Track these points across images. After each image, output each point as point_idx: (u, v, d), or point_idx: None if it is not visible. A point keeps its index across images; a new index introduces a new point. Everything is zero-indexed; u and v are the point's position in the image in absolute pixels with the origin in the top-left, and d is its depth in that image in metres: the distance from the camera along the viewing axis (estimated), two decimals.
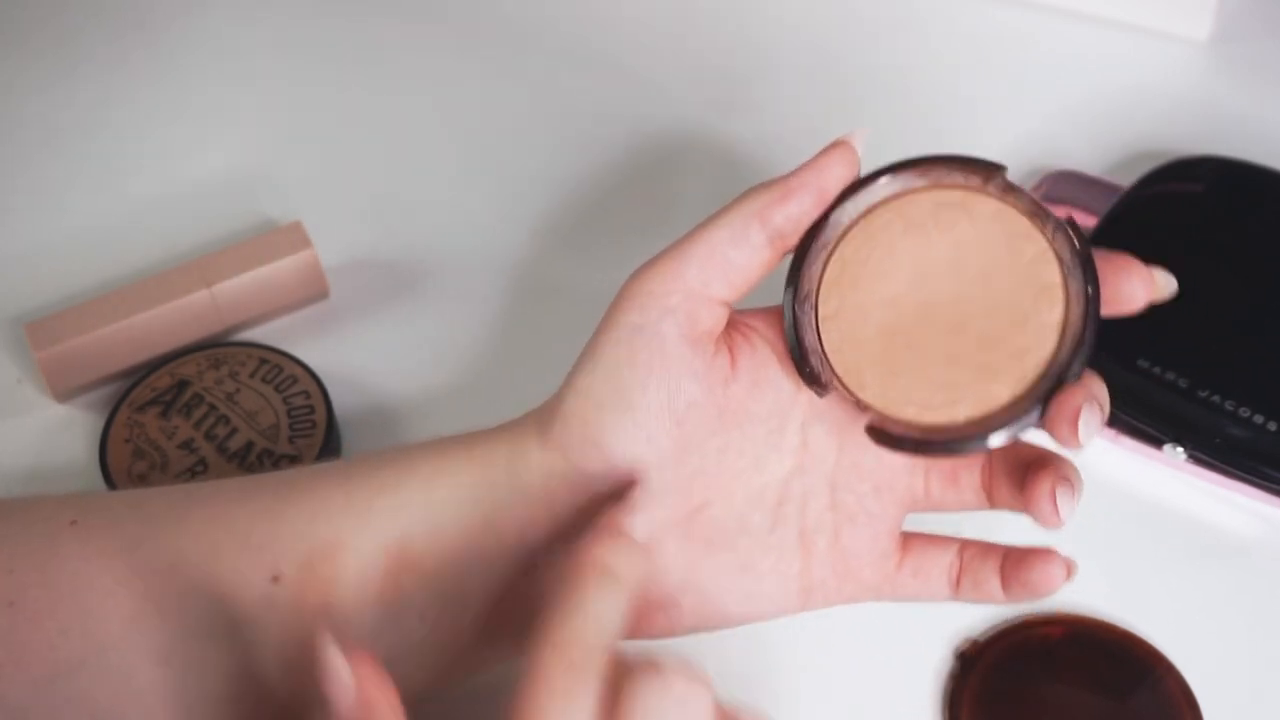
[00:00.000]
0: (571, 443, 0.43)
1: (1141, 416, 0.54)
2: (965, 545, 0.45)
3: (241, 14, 0.72)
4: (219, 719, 0.42)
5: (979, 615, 0.51)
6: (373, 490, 0.43)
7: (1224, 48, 0.69)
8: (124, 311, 0.57)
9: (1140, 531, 0.54)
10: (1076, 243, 0.42)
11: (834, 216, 0.43)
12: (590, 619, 0.37)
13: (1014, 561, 0.45)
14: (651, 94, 0.68)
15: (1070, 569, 0.44)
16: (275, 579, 0.42)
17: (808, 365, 0.43)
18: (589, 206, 0.64)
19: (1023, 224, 0.42)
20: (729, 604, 0.44)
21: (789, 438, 0.44)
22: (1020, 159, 0.64)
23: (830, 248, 0.43)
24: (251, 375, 0.56)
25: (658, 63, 0.70)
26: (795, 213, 0.42)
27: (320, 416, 0.55)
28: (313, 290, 0.59)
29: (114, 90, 0.68)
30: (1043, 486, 0.42)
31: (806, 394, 0.44)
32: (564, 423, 0.43)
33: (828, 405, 0.44)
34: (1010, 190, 0.42)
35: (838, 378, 0.43)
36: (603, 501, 0.42)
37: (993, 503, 0.45)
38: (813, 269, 0.43)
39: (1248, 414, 0.53)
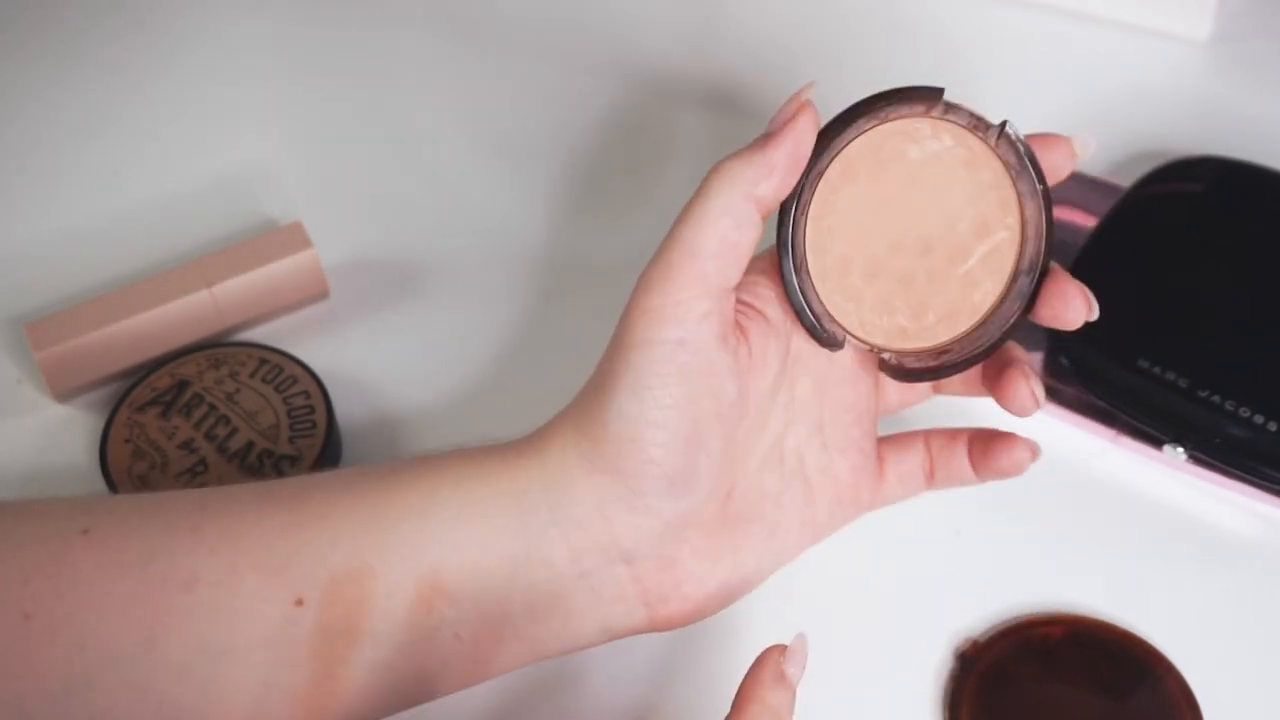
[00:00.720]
0: (624, 465, 0.42)
1: (1141, 416, 0.54)
2: (930, 436, 0.48)
3: (242, 14, 0.72)
4: None
5: (979, 615, 0.51)
6: (396, 516, 0.42)
7: (1224, 48, 0.69)
8: (124, 311, 0.57)
9: (1140, 531, 0.54)
10: (1019, 144, 0.44)
11: (806, 178, 0.43)
12: None
13: (980, 445, 0.47)
14: (652, 94, 0.68)
15: (1034, 451, 0.47)
16: (298, 602, 0.41)
17: (824, 332, 0.45)
18: (590, 206, 0.64)
19: (967, 138, 0.44)
20: (763, 566, 0.46)
21: (781, 398, 0.46)
22: None
23: (805, 209, 0.44)
24: (251, 375, 0.56)
25: (658, 63, 0.70)
26: (783, 186, 0.43)
27: (320, 417, 0.55)
28: (313, 290, 0.59)
29: (114, 90, 0.68)
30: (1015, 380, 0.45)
31: (787, 353, 0.45)
32: (616, 447, 0.42)
33: (808, 354, 0.46)
34: (950, 109, 0.43)
35: (848, 332, 0.45)
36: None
37: (942, 389, 0.49)
38: (796, 234, 0.44)
39: (1248, 414, 0.53)
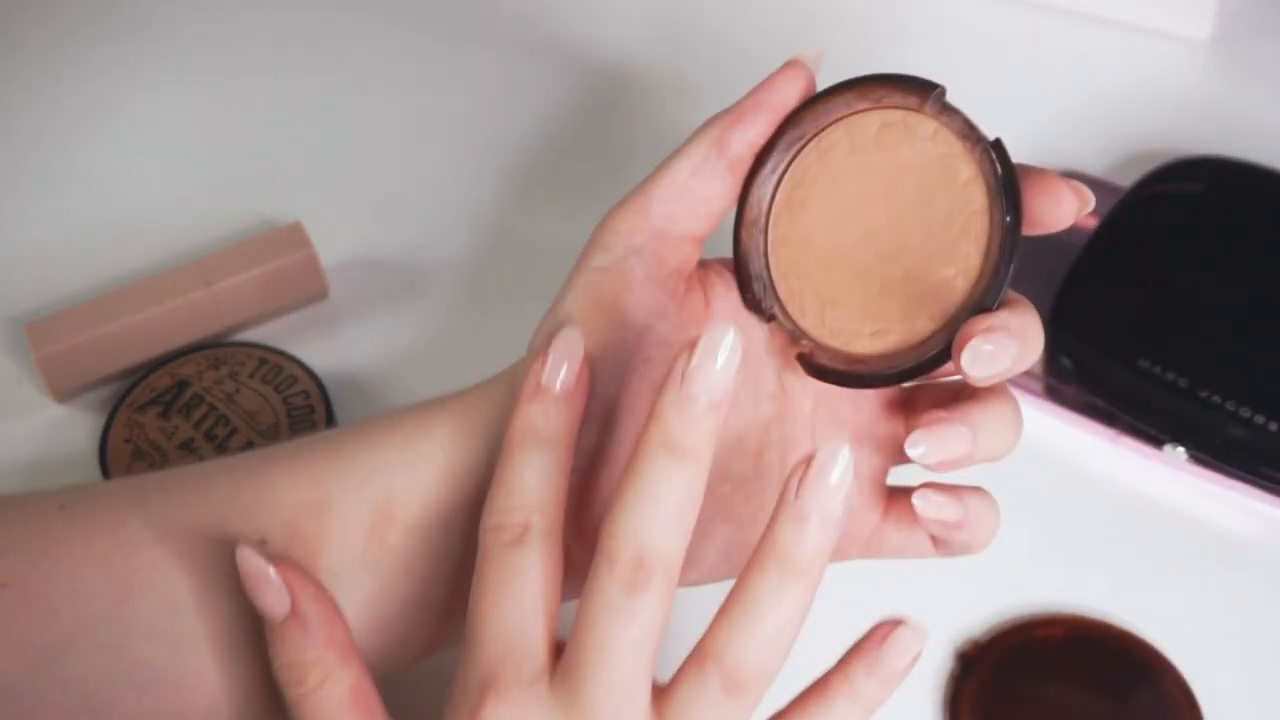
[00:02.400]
0: None
1: (1141, 416, 0.54)
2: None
3: (243, 13, 0.72)
4: (211, 691, 0.41)
5: (979, 616, 0.51)
6: (354, 449, 0.43)
7: (1224, 48, 0.69)
8: (124, 311, 0.57)
9: (1140, 531, 0.54)
10: (998, 167, 0.40)
11: (783, 139, 0.42)
12: (526, 484, 0.38)
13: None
14: (652, 95, 0.68)
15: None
16: (262, 542, 0.41)
17: (751, 292, 0.42)
18: (591, 207, 0.64)
19: (957, 146, 0.41)
20: (709, 552, 0.43)
21: (765, 384, 0.43)
22: (1020, 159, 0.64)
23: (781, 171, 0.42)
24: (251, 375, 0.56)
25: (658, 63, 0.70)
26: (751, 135, 0.41)
27: (320, 417, 0.55)
28: (312, 290, 0.59)
29: (114, 90, 0.68)
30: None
31: (778, 339, 0.43)
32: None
33: (784, 349, 0.43)
34: (946, 110, 0.41)
35: (780, 304, 0.42)
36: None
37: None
38: (761, 192, 0.42)
39: (1248, 414, 0.53)
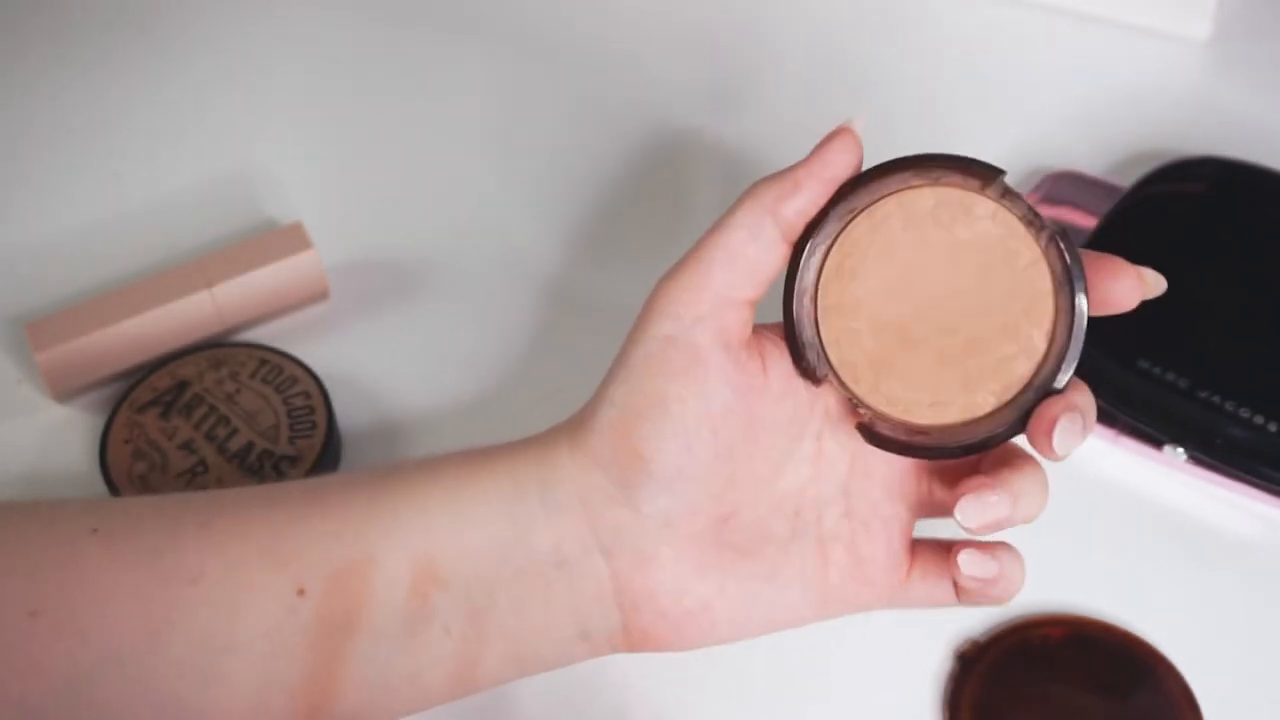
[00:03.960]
0: (608, 454, 0.43)
1: (1141, 417, 0.54)
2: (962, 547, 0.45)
3: (242, 14, 0.72)
4: None
5: (979, 616, 0.51)
6: (397, 503, 0.43)
7: (1224, 48, 0.69)
8: (124, 312, 0.57)
9: (1140, 531, 0.54)
10: (1067, 256, 0.41)
11: (836, 209, 0.43)
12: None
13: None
14: (652, 93, 0.68)
15: (1018, 576, 0.44)
16: (300, 592, 0.42)
17: (804, 359, 0.43)
18: (591, 206, 0.64)
19: (1019, 230, 0.42)
20: (757, 614, 0.45)
21: (805, 446, 0.45)
22: (1020, 159, 0.65)
23: (831, 240, 0.43)
24: (251, 376, 0.56)
25: (659, 62, 0.70)
26: (804, 205, 0.42)
27: (320, 417, 0.55)
28: (313, 291, 0.59)
29: (114, 91, 0.68)
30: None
31: (822, 404, 0.44)
32: (599, 434, 0.43)
33: (842, 415, 0.44)
34: (1007, 194, 0.42)
35: (834, 371, 0.43)
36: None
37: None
38: (813, 261, 0.43)
39: (1248, 414, 0.53)
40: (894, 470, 0.45)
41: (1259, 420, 0.53)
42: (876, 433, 0.43)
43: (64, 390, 0.57)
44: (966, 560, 0.44)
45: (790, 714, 0.49)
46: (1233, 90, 0.67)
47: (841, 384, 0.43)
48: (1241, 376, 0.54)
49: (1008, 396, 0.42)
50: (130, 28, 0.71)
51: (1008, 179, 0.42)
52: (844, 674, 0.50)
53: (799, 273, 0.43)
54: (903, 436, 0.43)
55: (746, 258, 0.42)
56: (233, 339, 0.59)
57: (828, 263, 0.43)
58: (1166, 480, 0.55)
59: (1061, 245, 0.41)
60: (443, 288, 0.61)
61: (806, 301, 0.43)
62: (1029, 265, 0.42)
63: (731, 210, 0.43)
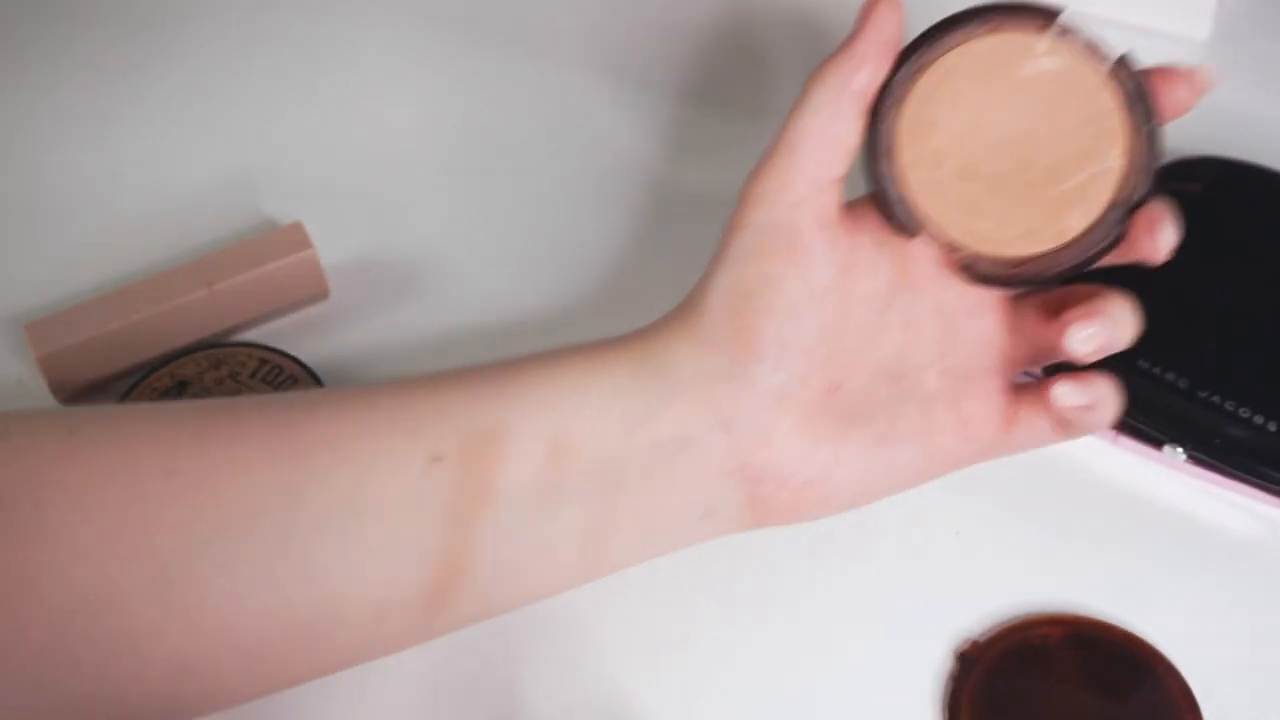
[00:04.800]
0: (720, 335, 0.45)
1: (1141, 417, 0.54)
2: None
3: (242, 14, 0.72)
4: (379, 592, 0.42)
5: (979, 615, 0.51)
6: (525, 382, 0.45)
7: (1224, 48, 0.69)
8: (124, 311, 0.57)
9: (1140, 531, 0.54)
10: (1136, 74, 0.44)
11: (902, 70, 0.45)
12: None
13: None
14: (652, 92, 0.68)
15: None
16: (436, 459, 0.43)
17: (896, 216, 0.46)
18: (589, 207, 0.65)
19: (1081, 60, 0.45)
20: (872, 478, 0.47)
21: (893, 316, 0.47)
22: None
23: (902, 100, 0.45)
24: (251, 375, 0.56)
25: (658, 61, 0.70)
26: (874, 73, 0.45)
27: None
28: (313, 290, 0.59)
29: (114, 90, 0.68)
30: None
31: (906, 272, 0.47)
32: (710, 318, 0.45)
33: (926, 282, 0.47)
34: (1066, 30, 0.44)
35: (925, 223, 0.46)
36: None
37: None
38: (888, 122, 0.45)
39: (1248, 414, 0.53)
40: (984, 325, 0.48)
41: (1259, 420, 0.53)
42: (979, 271, 0.46)
43: (64, 390, 0.57)
44: (1064, 392, 0.46)
45: (790, 714, 0.49)
46: (1233, 90, 0.67)
47: (933, 233, 0.46)
48: (1241, 376, 0.54)
49: (1095, 215, 0.45)
50: (130, 27, 0.71)
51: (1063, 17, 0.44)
52: (844, 674, 0.50)
53: (878, 135, 0.45)
54: (1004, 271, 0.46)
55: (831, 136, 0.45)
56: (233, 339, 0.59)
57: (902, 120, 0.46)
58: (1166, 480, 0.55)
59: (1125, 68, 0.44)
60: (442, 287, 0.61)
61: (889, 160, 0.45)
62: (1096, 91, 0.45)
63: (804, 97, 0.45)
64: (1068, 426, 0.47)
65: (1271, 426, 0.52)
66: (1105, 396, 0.47)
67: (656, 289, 0.62)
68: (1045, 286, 0.46)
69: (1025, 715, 0.49)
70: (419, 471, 0.43)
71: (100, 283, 0.60)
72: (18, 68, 0.69)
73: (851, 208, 0.47)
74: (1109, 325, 0.45)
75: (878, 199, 0.46)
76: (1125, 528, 0.54)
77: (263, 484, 0.42)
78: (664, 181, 0.65)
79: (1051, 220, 0.45)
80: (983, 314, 0.48)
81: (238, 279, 0.58)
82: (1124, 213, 0.45)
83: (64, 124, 0.67)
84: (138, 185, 0.65)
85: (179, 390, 0.55)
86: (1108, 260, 0.46)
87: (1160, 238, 0.45)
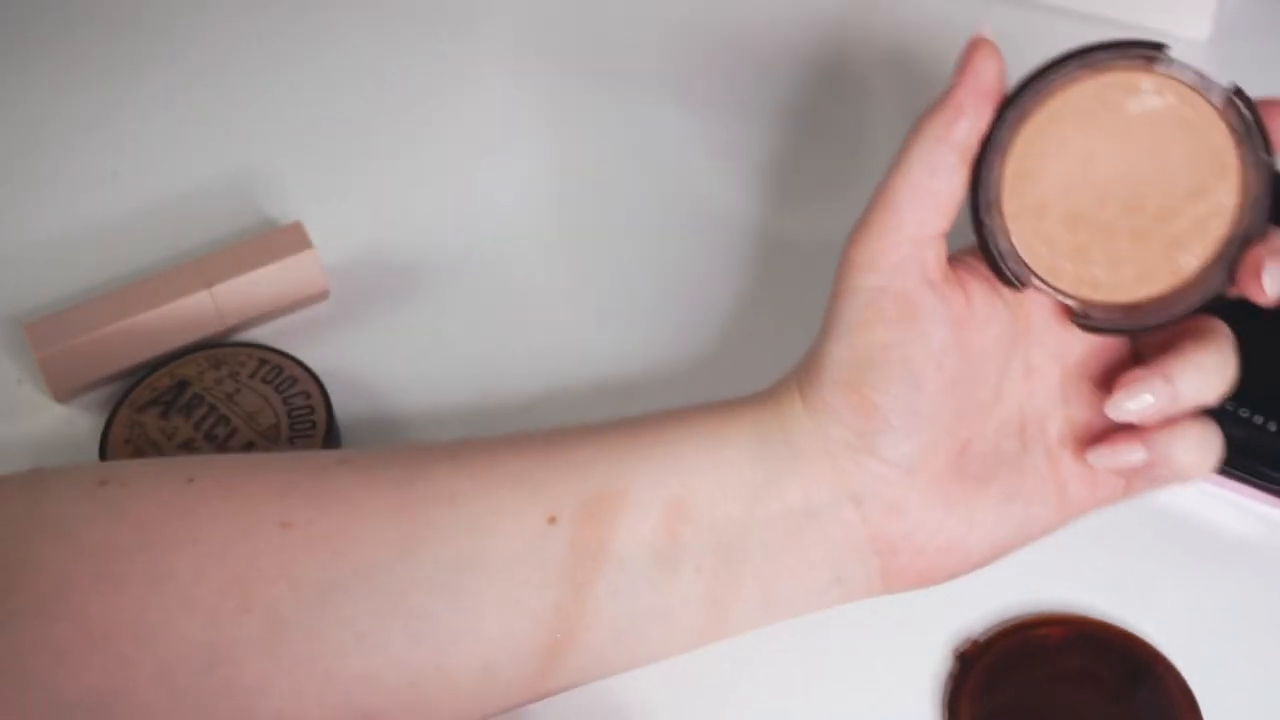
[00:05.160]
0: (843, 409, 0.44)
1: None
2: None
3: (242, 13, 0.72)
4: (489, 652, 0.42)
5: (979, 615, 0.51)
6: (644, 445, 0.44)
7: (1224, 48, 0.69)
8: (124, 311, 0.57)
9: (1140, 531, 0.54)
10: (1246, 109, 0.43)
11: (1004, 119, 0.44)
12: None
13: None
14: (651, 93, 0.68)
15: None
16: (551, 520, 0.43)
17: (1005, 269, 0.44)
18: (589, 207, 0.64)
19: (1188, 95, 0.43)
20: (1005, 534, 0.46)
21: (1016, 364, 0.46)
22: None
23: (1004, 149, 0.44)
24: (251, 375, 0.56)
25: (658, 61, 0.70)
26: (974, 123, 0.43)
27: (320, 417, 0.55)
28: (313, 290, 0.59)
29: (114, 90, 0.68)
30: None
31: (1024, 319, 0.46)
32: (830, 390, 0.44)
33: (1043, 328, 0.46)
34: (1173, 65, 0.43)
35: (1034, 274, 0.45)
36: None
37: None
38: (992, 173, 0.44)
39: (1247, 414, 0.53)
40: (1103, 369, 0.46)
41: (1259, 420, 0.53)
42: (1092, 320, 0.45)
43: (64, 390, 0.57)
44: (1096, 457, 0.45)
45: (790, 713, 0.49)
46: None
47: (1046, 284, 0.45)
48: (1241, 376, 0.54)
49: (1210, 254, 0.44)
50: (129, 27, 0.71)
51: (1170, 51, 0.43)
52: (843, 673, 0.50)
53: (981, 187, 0.44)
54: (1119, 317, 0.44)
55: (932, 192, 0.43)
56: (233, 339, 0.59)
57: (1006, 170, 0.44)
58: None
59: (1238, 101, 0.43)
60: (443, 288, 0.61)
61: (995, 213, 0.44)
62: (1206, 126, 0.43)
63: (904, 151, 0.44)
64: (1131, 485, 0.47)
65: (1271, 426, 0.52)
66: (1170, 450, 0.44)
67: (660, 284, 0.62)
68: (1163, 329, 0.45)
69: (1025, 715, 0.49)
70: (536, 531, 0.42)
71: (100, 283, 0.60)
72: (16, 67, 0.69)
73: (959, 259, 0.45)
74: (1162, 388, 0.43)
75: (985, 252, 0.44)
76: (1125, 528, 0.54)
77: (378, 539, 0.42)
78: (658, 183, 0.65)
79: (1164, 262, 0.44)
80: (1103, 364, 0.46)
81: (238, 279, 0.58)
82: (1239, 249, 0.43)
83: (64, 124, 0.67)
84: (137, 185, 0.65)
85: (179, 390, 0.55)
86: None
87: (1267, 281, 0.43)
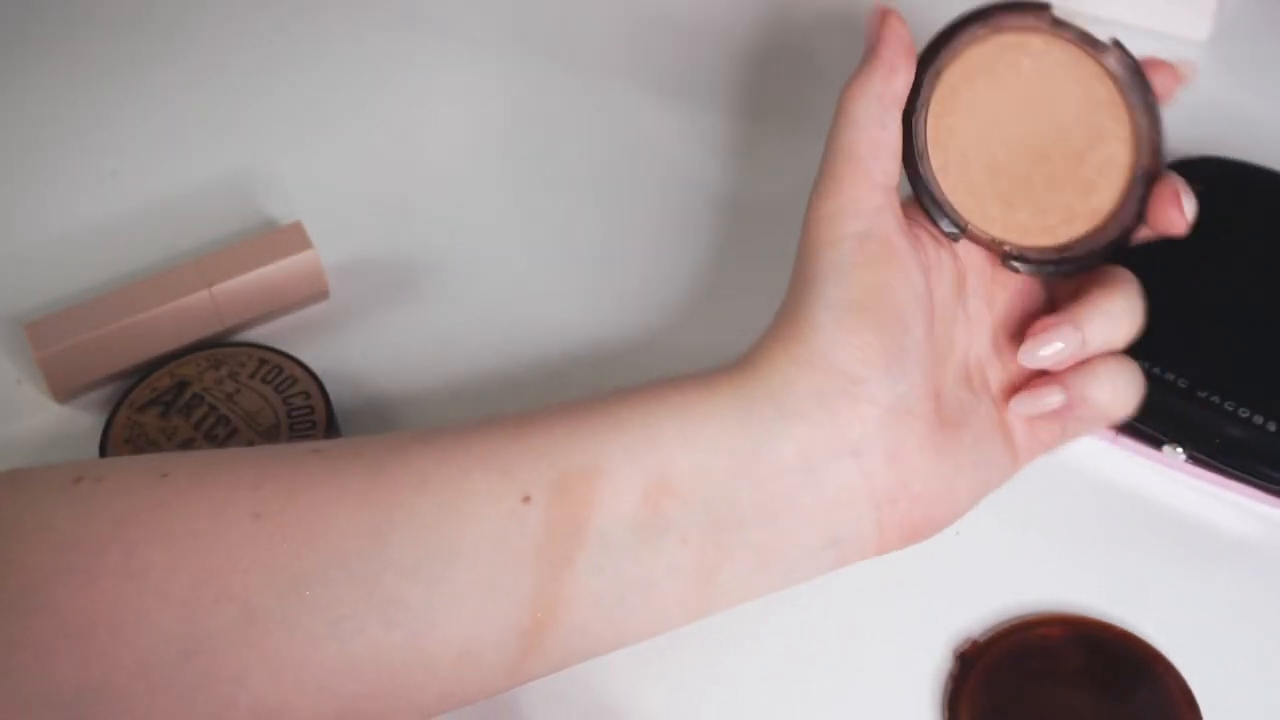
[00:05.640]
0: (839, 353, 0.44)
1: (1141, 416, 0.54)
2: None
3: (242, 13, 0.72)
4: (465, 635, 0.42)
5: (978, 615, 0.51)
6: (623, 421, 0.44)
7: (1224, 48, 0.69)
8: (124, 311, 0.57)
9: (1140, 531, 0.54)
10: (1128, 58, 0.47)
11: (925, 75, 0.47)
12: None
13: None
14: (650, 93, 0.68)
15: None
16: (525, 499, 0.42)
17: (944, 216, 0.47)
18: (589, 207, 0.65)
19: (1076, 52, 0.47)
20: (978, 479, 0.47)
21: (960, 315, 0.48)
22: None
23: (926, 104, 0.47)
24: (251, 376, 0.56)
25: (657, 61, 0.70)
26: (907, 78, 0.46)
27: (320, 417, 0.55)
28: (313, 290, 0.59)
29: (114, 90, 0.68)
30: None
31: (959, 268, 0.48)
32: (823, 336, 0.44)
33: (976, 280, 0.48)
34: (1058, 23, 0.47)
35: (970, 222, 0.47)
36: None
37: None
38: (918, 127, 0.47)
39: (1247, 414, 0.53)
40: (1028, 309, 0.49)
41: (1258, 420, 0.53)
42: (1027, 262, 0.47)
43: (64, 390, 0.57)
44: (1020, 405, 0.47)
45: (790, 713, 0.49)
46: (1233, 90, 0.67)
47: (982, 231, 0.47)
48: (1241, 376, 0.54)
49: (1119, 193, 0.47)
50: (129, 27, 0.71)
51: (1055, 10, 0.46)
52: (843, 673, 0.50)
53: (913, 139, 0.47)
54: (1052, 257, 0.47)
55: (884, 144, 0.46)
56: (233, 339, 0.59)
57: (928, 125, 0.47)
58: (1166, 480, 0.55)
59: (1120, 50, 0.47)
60: (443, 287, 0.61)
61: (925, 163, 0.47)
62: (1093, 78, 0.47)
63: (848, 110, 0.46)
64: (1066, 429, 0.48)
65: (1271, 426, 0.52)
66: (1092, 389, 0.47)
67: (661, 285, 0.62)
68: (1093, 266, 0.47)
69: (1025, 715, 0.49)
70: (509, 512, 0.42)
71: (100, 283, 0.60)
72: (16, 67, 0.69)
73: (905, 211, 0.47)
74: (1069, 331, 0.46)
75: (922, 203, 0.47)
76: (1125, 528, 0.54)
77: (350, 526, 0.42)
78: (659, 183, 0.65)
79: (1080, 204, 0.47)
80: (1026, 299, 0.49)
81: (238, 279, 0.58)
82: (1144, 184, 0.47)
83: (64, 124, 0.67)
84: (137, 185, 0.65)
85: (179, 390, 0.55)
86: (1141, 237, 0.47)
87: (1181, 206, 0.46)
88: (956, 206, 0.47)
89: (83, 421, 0.57)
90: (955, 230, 0.47)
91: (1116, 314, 0.46)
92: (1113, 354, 0.47)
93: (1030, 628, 0.50)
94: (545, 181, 0.65)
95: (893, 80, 0.46)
